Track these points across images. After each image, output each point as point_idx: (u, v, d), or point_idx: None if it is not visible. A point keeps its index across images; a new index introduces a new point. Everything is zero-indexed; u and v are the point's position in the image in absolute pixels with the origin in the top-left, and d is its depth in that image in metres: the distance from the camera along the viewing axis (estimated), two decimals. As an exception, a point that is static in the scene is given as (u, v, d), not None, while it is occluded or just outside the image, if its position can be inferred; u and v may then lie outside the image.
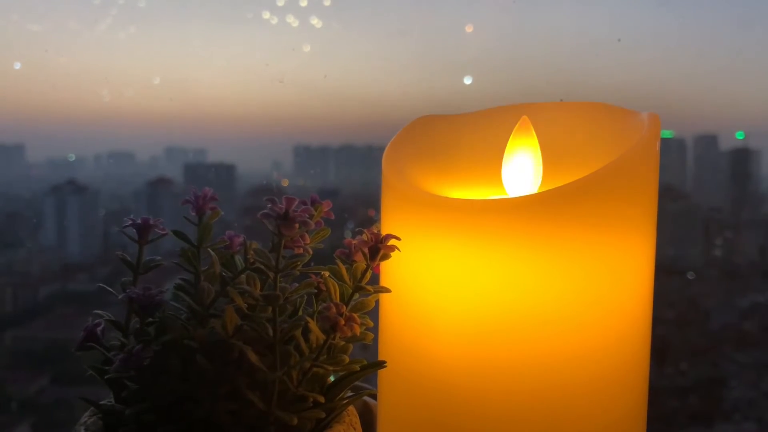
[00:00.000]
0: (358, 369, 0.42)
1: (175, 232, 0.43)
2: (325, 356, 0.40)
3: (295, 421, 0.38)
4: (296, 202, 0.39)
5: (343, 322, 0.38)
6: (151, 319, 0.41)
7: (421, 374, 0.45)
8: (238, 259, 0.42)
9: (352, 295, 0.43)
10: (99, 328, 0.42)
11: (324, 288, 0.42)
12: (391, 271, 0.47)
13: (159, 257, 0.45)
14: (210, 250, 0.42)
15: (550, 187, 0.43)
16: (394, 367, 0.45)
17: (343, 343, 0.41)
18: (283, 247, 0.39)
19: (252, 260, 0.40)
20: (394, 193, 0.47)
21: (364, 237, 0.43)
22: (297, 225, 0.38)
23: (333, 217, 0.45)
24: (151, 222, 0.44)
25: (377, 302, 0.44)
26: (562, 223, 0.42)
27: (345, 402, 0.42)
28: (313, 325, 0.39)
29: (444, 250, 0.44)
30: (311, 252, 0.41)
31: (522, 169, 0.50)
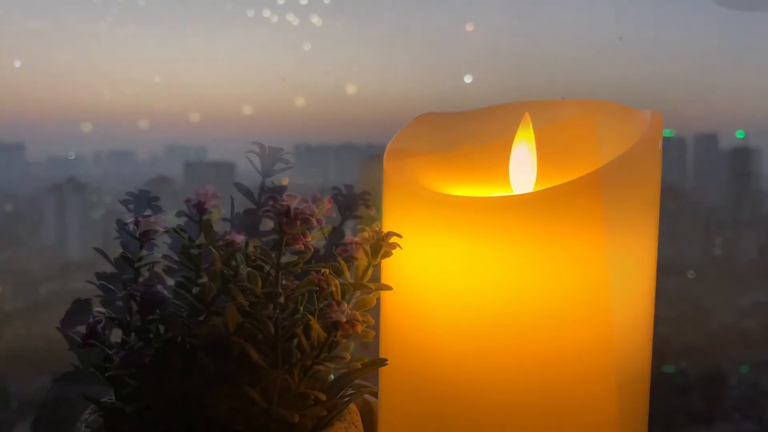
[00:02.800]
0: (360, 367, 0.42)
1: (177, 230, 0.43)
2: (326, 354, 0.40)
3: (297, 418, 0.38)
4: (298, 200, 0.39)
5: (344, 319, 0.38)
6: (152, 317, 0.41)
7: (423, 372, 0.45)
8: (240, 257, 0.42)
9: (353, 292, 0.43)
10: (100, 326, 0.42)
11: (325, 286, 0.42)
12: (392, 268, 0.47)
13: (160, 255, 0.44)
14: (211, 248, 0.42)
15: (553, 185, 0.43)
16: (396, 365, 0.45)
17: (344, 340, 0.41)
18: (285, 244, 0.39)
19: (253, 257, 0.40)
20: (396, 190, 0.47)
21: (366, 234, 0.43)
22: (299, 222, 0.38)
23: (334, 215, 0.45)
24: (152, 220, 0.43)
25: (378, 300, 0.44)
26: (564, 220, 0.42)
27: (346, 400, 0.42)
28: (314, 322, 0.39)
29: (445, 247, 0.44)
30: (312, 249, 0.41)
31: (524, 166, 0.50)
